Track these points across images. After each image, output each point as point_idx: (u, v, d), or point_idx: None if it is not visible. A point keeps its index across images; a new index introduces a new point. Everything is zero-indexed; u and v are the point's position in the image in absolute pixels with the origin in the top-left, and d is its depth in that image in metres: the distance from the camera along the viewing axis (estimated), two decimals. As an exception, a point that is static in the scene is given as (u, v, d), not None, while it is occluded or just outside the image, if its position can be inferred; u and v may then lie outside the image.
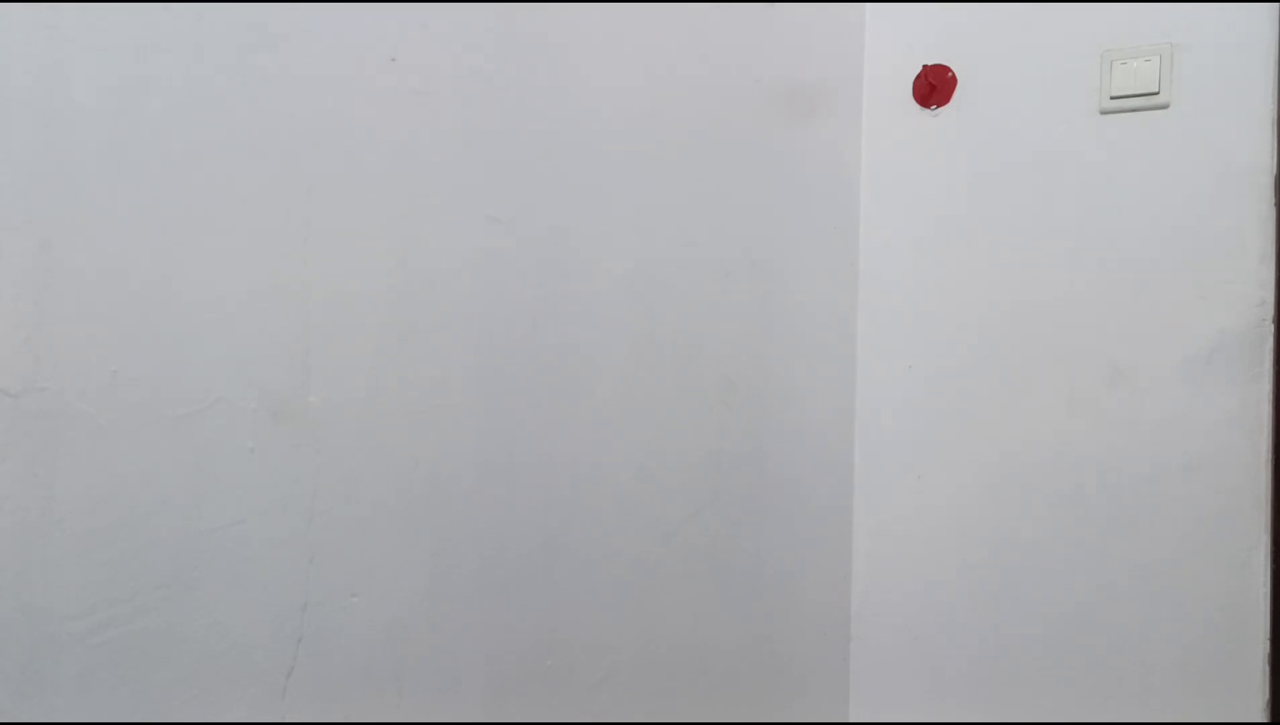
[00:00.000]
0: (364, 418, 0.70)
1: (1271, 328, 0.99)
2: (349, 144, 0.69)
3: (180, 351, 0.61)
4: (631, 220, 0.90)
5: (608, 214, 0.88)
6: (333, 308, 0.68)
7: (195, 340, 0.61)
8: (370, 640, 0.70)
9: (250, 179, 0.64)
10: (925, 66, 1.15)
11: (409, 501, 0.73)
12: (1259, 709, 0.99)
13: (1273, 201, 0.99)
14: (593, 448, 0.87)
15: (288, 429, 0.65)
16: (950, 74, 1.14)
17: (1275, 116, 0.99)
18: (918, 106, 1.15)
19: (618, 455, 0.89)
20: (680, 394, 0.95)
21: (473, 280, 0.77)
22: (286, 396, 0.65)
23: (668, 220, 0.94)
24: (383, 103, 0.71)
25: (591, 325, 0.87)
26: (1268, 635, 0.99)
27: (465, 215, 0.76)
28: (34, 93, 0.56)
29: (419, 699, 0.73)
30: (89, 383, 0.57)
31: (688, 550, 0.95)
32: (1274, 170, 0.99)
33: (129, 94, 0.59)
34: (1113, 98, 1.05)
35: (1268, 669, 0.99)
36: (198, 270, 0.62)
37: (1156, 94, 1.03)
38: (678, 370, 0.95)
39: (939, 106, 1.14)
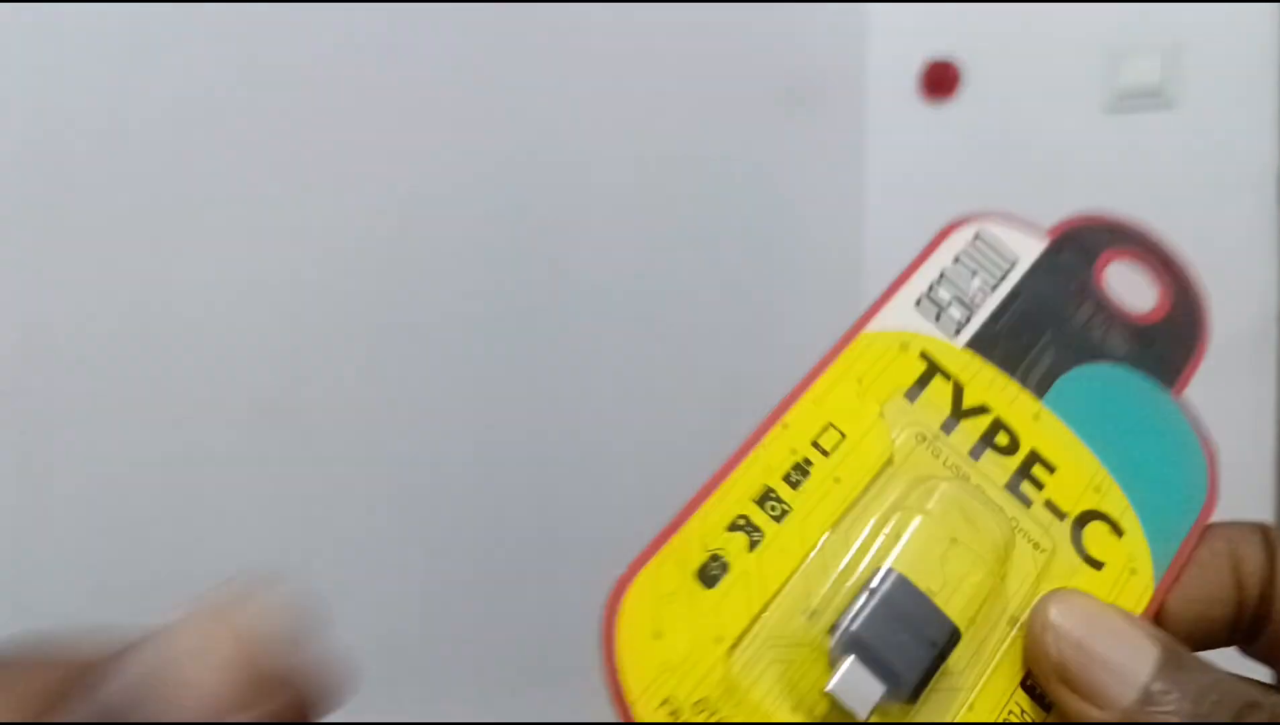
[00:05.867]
0: (356, 419, 0.69)
1: (1276, 328, 0.99)
2: (343, 141, 0.69)
3: (172, 352, 0.61)
4: (630, 219, 0.90)
5: (605, 213, 0.87)
6: (325, 307, 0.68)
7: (187, 341, 0.61)
8: (364, 644, 0.70)
9: (243, 177, 0.64)
10: (929, 61, 1.14)
11: (402, 504, 0.72)
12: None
13: (1277, 200, 0.99)
14: (591, 449, 0.86)
15: (279, 430, 0.65)
16: (954, 69, 1.13)
17: (1281, 114, 0.99)
18: (921, 101, 1.15)
19: (616, 457, 0.88)
20: (680, 395, 0.95)
21: (467, 279, 0.76)
22: (278, 398, 0.65)
23: (667, 219, 0.94)
24: (377, 100, 0.71)
25: (589, 325, 0.86)
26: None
27: (460, 214, 0.76)
28: (29, 91, 0.55)
29: (414, 702, 0.73)
30: (82, 383, 0.57)
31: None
32: (1279, 169, 0.99)
33: (124, 93, 0.59)
34: (1117, 96, 1.05)
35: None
36: (190, 270, 0.61)
37: (1161, 93, 1.03)
38: (678, 370, 0.95)
39: (942, 102, 1.14)
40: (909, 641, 0.20)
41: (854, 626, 0.20)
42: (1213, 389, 1.03)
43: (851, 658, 0.20)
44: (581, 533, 0.88)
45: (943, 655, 0.20)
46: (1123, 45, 1.04)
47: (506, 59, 0.79)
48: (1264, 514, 1.00)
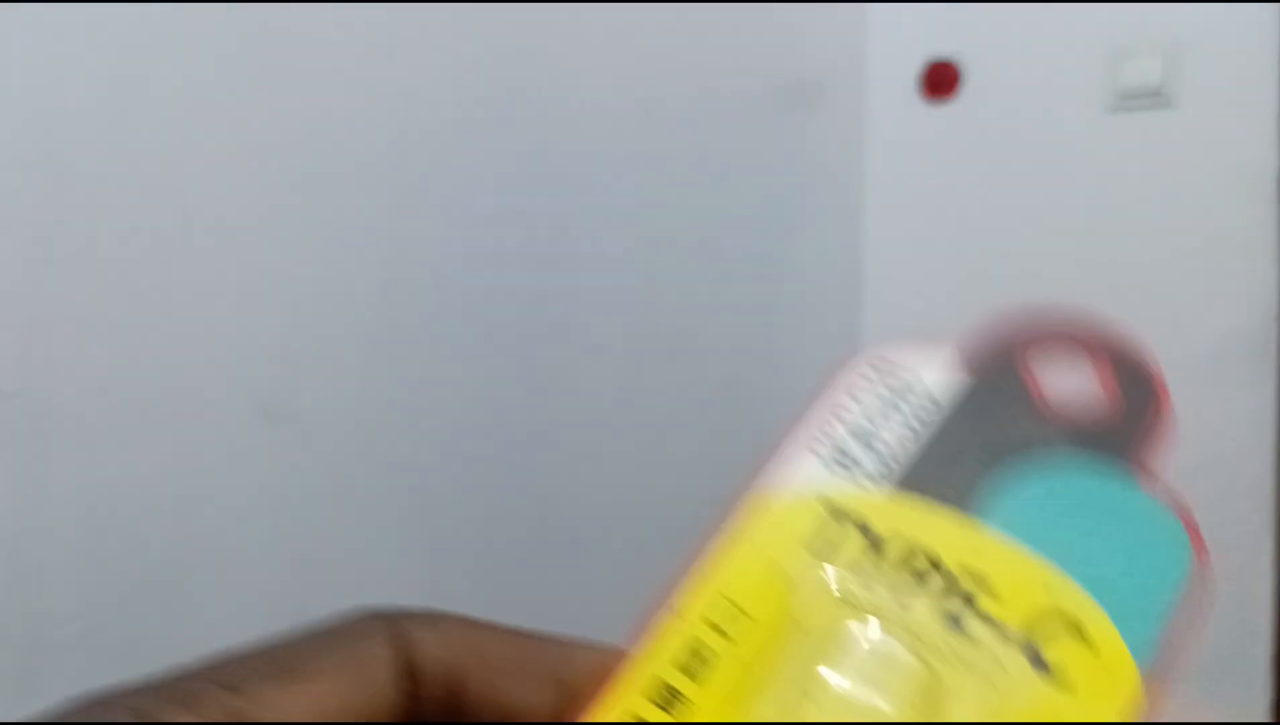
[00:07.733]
0: (356, 419, 0.69)
1: (1276, 328, 0.99)
2: (343, 142, 0.69)
3: (172, 352, 0.61)
4: (630, 219, 0.90)
5: (605, 213, 0.87)
6: (325, 307, 0.68)
7: (187, 341, 0.61)
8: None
9: (243, 178, 0.64)
10: (929, 61, 1.14)
11: (403, 503, 0.72)
12: (1262, 709, 0.99)
13: (1277, 200, 0.99)
14: (589, 448, 0.86)
15: (279, 430, 0.65)
16: (954, 69, 1.13)
17: (1281, 114, 0.99)
18: (921, 101, 1.15)
19: (615, 456, 0.88)
20: (680, 395, 0.95)
21: (467, 279, 0.76)
22: (278, 398, 0.65)
23: (668, 219, 0.94)
24: (377, 100, 0.71)
25: (588, 325, 0.86)
26: (1272, 635, 0.98)
27: (459, 214, 0.76)
28: (29, 91, 0.55)
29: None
30: (82, 384, 0.57)
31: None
32: (1279, 169, 0.99)
33: (123, 93, 0.58)
34: (1118, 96, 1.05)
35: (1272, 669, 0.99)
36: (190, 270, 0.61)
37: (1161, 93, 1.03)
38: (677, 371, 0.95)
39: (942, 102, 1.14)
40: None
41: None
42: (1213, 389, 1.04)
43: None
44: (582, 534, 0.88)
45: None
46: (1123, 45, 1.04)
47: (506, 59, 0.79)
48: (1264, 514, 1.00)
